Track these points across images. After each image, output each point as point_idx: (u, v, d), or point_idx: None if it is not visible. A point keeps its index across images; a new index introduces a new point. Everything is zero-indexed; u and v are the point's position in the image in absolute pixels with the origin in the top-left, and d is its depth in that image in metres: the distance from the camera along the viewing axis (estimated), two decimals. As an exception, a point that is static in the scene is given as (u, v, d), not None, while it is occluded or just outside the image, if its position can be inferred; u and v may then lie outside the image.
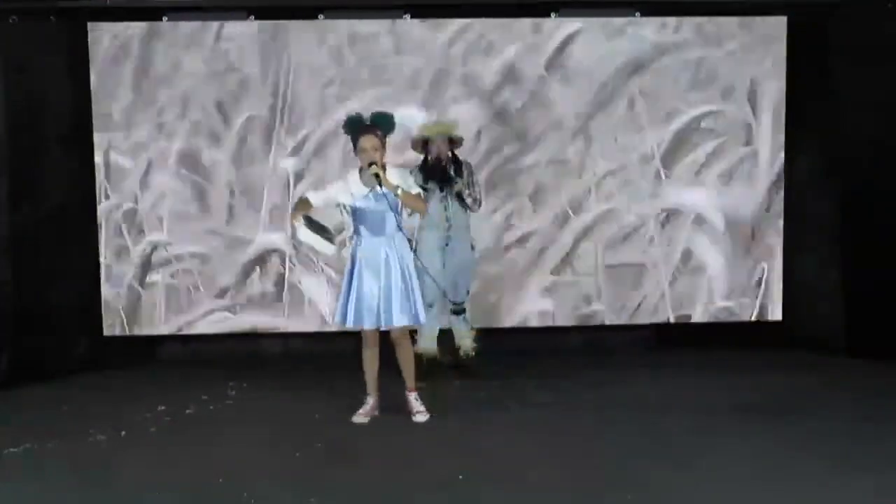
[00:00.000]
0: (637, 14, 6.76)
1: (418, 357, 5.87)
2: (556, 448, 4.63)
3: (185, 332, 6.87)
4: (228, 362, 6.70)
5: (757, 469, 4.25)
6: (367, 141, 4.95)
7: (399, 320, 5.03)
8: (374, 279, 5.01)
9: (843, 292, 6.62)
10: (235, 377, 6.19)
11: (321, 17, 6.66)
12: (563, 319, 6.97)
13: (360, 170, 5.04)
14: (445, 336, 6.23)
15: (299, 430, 4.98)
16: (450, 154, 5.98)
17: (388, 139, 5.05)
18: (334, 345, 6.91)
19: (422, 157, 6.03)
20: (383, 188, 4.92)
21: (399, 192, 4.94)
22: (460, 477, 4.19)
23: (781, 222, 6.98)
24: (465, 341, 6.22)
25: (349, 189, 5.06)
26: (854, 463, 4.29)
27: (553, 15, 6.73)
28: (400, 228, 5.07)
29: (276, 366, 6.63)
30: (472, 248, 6.13)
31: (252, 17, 6.65)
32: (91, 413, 5.39)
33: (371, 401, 5.25)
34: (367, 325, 5.06)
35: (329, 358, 6.76)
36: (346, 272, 5.11)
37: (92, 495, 4.10)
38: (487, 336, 6.34)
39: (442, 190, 5.95)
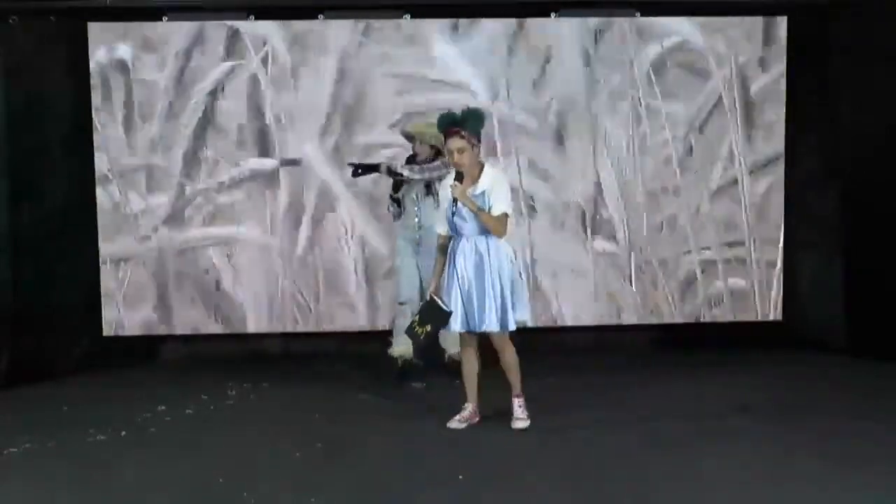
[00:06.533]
0: (637, 14, 6.76)
1: (394, 360, 5.84)
2: (557, 448, 4.63)
3: (185, 332, 6.87)
4: (228, 362, 6.69)
5: (757, 469, 4.25)
6: (452, 142, 4.70)
7: (484, 326, 4.81)
8: (462, 279, 4.78)
9: (843, 292, 6.62)
10: (235, 377, 6.18)
11: (321, 17, 6.66)
12: (562, 319, 6.97)
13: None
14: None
15: (299, 430, 4.98)
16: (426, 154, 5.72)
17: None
18: (334, 345, 6.91)
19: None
20: (460, 202, 4.71)
21: (476, 209, 4.68)
22: (460, 477, 4.19)
23: (782, 222, 6.98)
24: (450, 345, 5.85)
25: (445, 188, 4.85)
26: (854, 463, 4.28)
27: (553, 15, 6.73)
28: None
29: (276, 366, 6.62)
30: None
31: (252, 16, 6.64)
32: (91, 413, 5.38)
33: (469, 407, 4.99)
34: (455, 327, 4.86)
35: (329, 358, 6.76)
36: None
37: (92, 495, 4.09)
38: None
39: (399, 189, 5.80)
